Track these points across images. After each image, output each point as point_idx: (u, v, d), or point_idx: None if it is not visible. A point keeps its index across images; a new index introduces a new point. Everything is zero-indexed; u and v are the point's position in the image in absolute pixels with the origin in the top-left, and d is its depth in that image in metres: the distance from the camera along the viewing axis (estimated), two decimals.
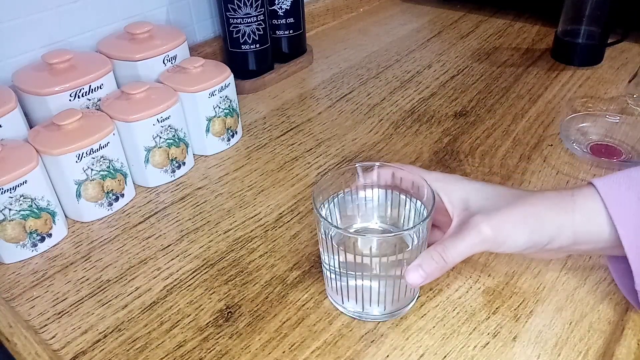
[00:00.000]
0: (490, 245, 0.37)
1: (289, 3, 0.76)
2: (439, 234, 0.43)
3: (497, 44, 0.86)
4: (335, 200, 0.43)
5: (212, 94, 0.59)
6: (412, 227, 0.39)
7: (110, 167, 0.53)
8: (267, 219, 0.52)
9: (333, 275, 0.41)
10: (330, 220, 0.42)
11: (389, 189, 0.44)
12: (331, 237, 0.39)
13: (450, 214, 0.40)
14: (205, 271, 0.47)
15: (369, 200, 0.44)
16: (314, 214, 0.39)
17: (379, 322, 0.41)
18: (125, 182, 0.55)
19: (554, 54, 0.80)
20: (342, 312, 0.42)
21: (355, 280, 0.39)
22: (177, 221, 0.53)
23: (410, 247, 0.39)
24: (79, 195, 0.51)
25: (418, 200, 0.42)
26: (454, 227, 0.39)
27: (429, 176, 0.41)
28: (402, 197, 0.43)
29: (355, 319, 0.42)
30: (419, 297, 0.43)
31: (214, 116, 0.61)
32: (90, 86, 0.55)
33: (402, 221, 0.44)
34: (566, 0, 0.76)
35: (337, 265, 0.40)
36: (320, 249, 0.41)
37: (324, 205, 0.42)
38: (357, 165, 0.43)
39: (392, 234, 0.41)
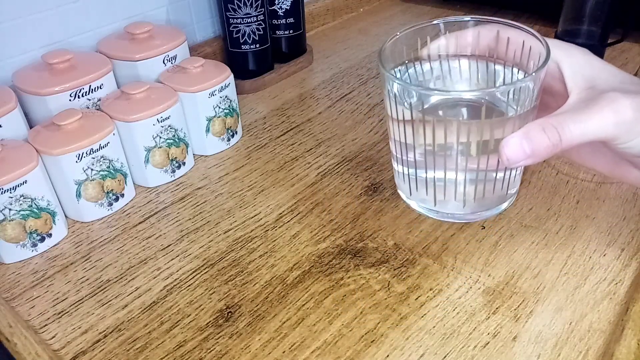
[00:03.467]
0: (623, 132, 0.29)
1: (289, 3, 0.76)
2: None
3: None
4: (408, 71, 0.33)
5: (212, 94, 0.59)
6: (518, 81, 0.29)
7: (110, 167, 0.53)
8: (267, 219, 0.52)
9: (402, 167, 0.33)
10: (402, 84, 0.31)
11: (483, 59, 0.34)
12: (402, 109, 0.30)
13: (569, 90, 0.31)
14: (205, 271, 0.47)
15: (454, 72, 0.34)
16: (380, 75, 0.30)
17: (459, 223, 0.34)
18: (125, 182, 0.55)
19: None
20: (415, 210, 0.35)
21: (435, 167, 0.31)
22: (177, 221, 0.53)
23: (514, 113, 0.29)
24: (79, 195, 0.51)
25: (519, 70, 0.33)
26: (573, 102, 0.30)
27: (547, 41, 0.32)
28: (498, 67, 0.33)
29: (432, 218, 0.34)
30: (516, 197, 0.34)
31: (214, 116, 0.61)
32: (90, 86, 0.55)
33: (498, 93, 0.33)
34: (566, 0, 0.76)
35: (409, 149, 0.31)
36: (390, 131, 0.32)
37: (392, 74, 0.32)
38: (440, 21, 0.33)
39: (490, 89, 0.30)
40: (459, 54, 0.33)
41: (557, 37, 0.79)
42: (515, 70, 0.33)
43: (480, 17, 0.33)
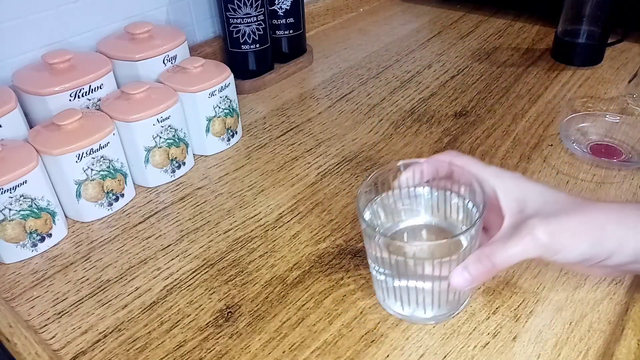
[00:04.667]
0: (544, 252, 0.36)
1: (289, 3, 0.76)
2: (485, 237, 0.41)
3: (497, 44, 0.86)
4: (379, 200, 0.42)
5: (212, 94, 0.59)
6: (461, 233, 0.37)
7: (110, 167, 0.53)
8: (267, 219, 0.52)
9: (379, 277, 0.40)
10: (375, 222, 0.42)
11: (438, 188, 0.42)
12: (377, 241, 0.38)
13: (504, 213, 0.38)
14: (205, 271, 0.47)
15: (416, 199, 0.43)
16: (359, 220, 0.39)
17: (427, 324, 0.41)
18: (125, 182, 0.55)
19: (554, 54, 0.80)
20: (388, 313, 0.42)
21: (401, 281, 0.39)
22: (177, 221, 0.53)
23: (461, 249, 0.37)
24: (79, 195, 0.51)
25: (469, 200, 0.40)
26: (505, 229, 0.37)
27: (485, 171, 0.39)
28: (452, 195, 0.42)
29: (403, 320, 0.41)
30: (469, 300, 0.42)
31: (214, 116, 0.61)
32: (90, 86, 0.55)
33: (451, 217, 0.43)
34: (566, 0, 0.76)
35: (382, 267, 0.39)
36: (367, 251, 0.41)
37: (368, 207, 0.42)
38: (401, 163, 0.42)
39: (440, 241, 0.40)
40: (423, 184, 0.43)
41: (557, 37, 0.79)
42: (466, 200, 0.41)
43: (434, 158, 0.42)
